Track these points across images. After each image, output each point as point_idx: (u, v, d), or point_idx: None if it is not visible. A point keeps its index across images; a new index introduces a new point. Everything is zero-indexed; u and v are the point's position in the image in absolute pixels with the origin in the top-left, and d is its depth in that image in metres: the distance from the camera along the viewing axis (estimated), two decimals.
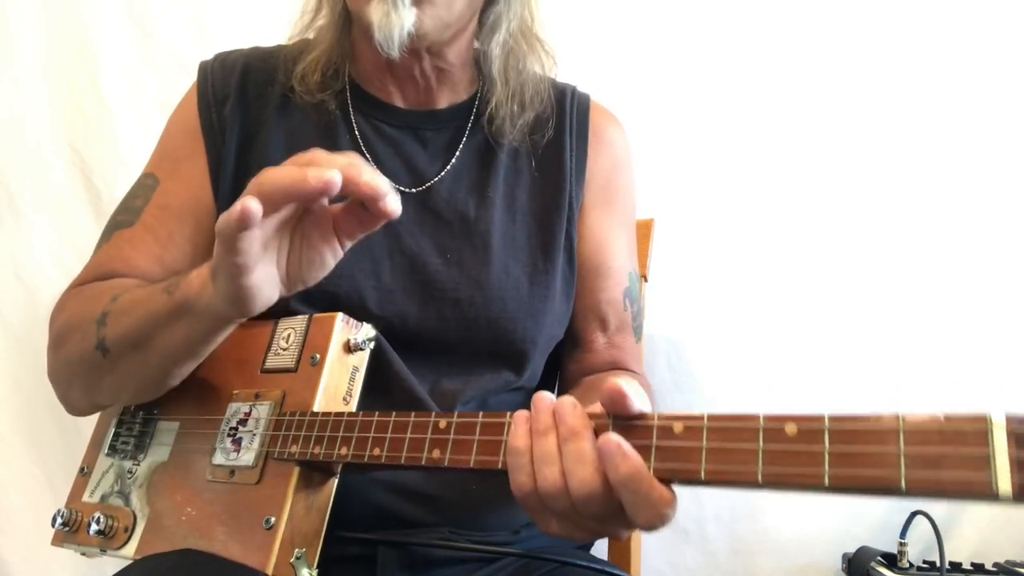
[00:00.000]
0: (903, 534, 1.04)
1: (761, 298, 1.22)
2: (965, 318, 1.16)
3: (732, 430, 0.45)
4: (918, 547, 1.09)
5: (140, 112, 1.29)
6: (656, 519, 0.47)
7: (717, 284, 1.23)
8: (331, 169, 0.53)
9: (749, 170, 1.24)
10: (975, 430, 0.38)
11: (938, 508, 1.09)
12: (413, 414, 0.58)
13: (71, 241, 1.28)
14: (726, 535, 1.20)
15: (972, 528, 1.12)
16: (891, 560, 1.04)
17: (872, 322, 1.18)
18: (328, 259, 0.63)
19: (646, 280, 1.11)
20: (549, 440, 0.49)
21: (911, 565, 1.03)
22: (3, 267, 1.28)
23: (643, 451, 0.47)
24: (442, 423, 0.56)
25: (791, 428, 0.43)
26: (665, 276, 1.20)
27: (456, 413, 0.56)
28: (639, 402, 0.49)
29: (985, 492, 0.37)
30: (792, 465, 0.42)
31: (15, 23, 1.29)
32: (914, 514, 1.04)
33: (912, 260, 1.18)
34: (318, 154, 0.56)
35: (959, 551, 1.09)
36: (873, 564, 1.03)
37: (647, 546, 1.20)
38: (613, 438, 0.46)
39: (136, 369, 0.71)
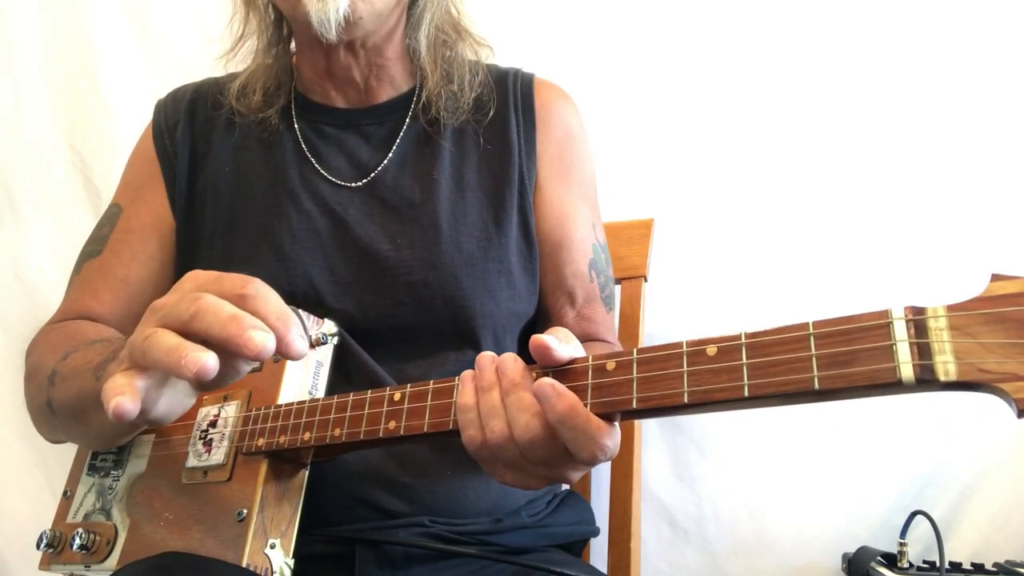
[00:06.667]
0: (903, 534, 1.04)
1: (761, 298, 1.21)
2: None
3: (659, 359, 0.48)
4: (918, 547, 1.09)
5: (140, 112, 1.28)
6: (598, 451, 0.50)
7: (717, 284, 1.23)
8: (205, 354, 0.48)
9: (748, 170, 1.24)
10: (877, 324, 0.40)
11: (938, 508, 1.09)
12: (369, 392, 0.61)
13: (71, 241, 1.28)
14: (726, 535, 1.20)
15: (972, 528, 1.12)
16: (891, 560, 1.04)
17: None
18: (242, 366, 0.55)
19: (646, 280, 1.11)
20: (493, 395, 0.53)
21: (911, 565, 1.03)
22: (3, 267, 1.28)
23: (580, 391, 0.50)
24: (396, 395, 0.59)
25: (711, 349, 0.46)
26: (665, 276, 1.20)
27: (409, 385, 0.59)
28: (565, 350, 0.52)
29: (890, 380, 0.39)
30: (714, 382, 0.45)
31: (15, 23, 1.29)
32: (914, 514, 1.04)
33: (912, 254, 1.18)
34: (206, 301, 0.49)
35: (959, 551, 1.09)
36: (873, 564, 1.03)
37: (647, 546, 1.20)
38: (547, 381, 0.50)
39: (80, 435, 0.76)
